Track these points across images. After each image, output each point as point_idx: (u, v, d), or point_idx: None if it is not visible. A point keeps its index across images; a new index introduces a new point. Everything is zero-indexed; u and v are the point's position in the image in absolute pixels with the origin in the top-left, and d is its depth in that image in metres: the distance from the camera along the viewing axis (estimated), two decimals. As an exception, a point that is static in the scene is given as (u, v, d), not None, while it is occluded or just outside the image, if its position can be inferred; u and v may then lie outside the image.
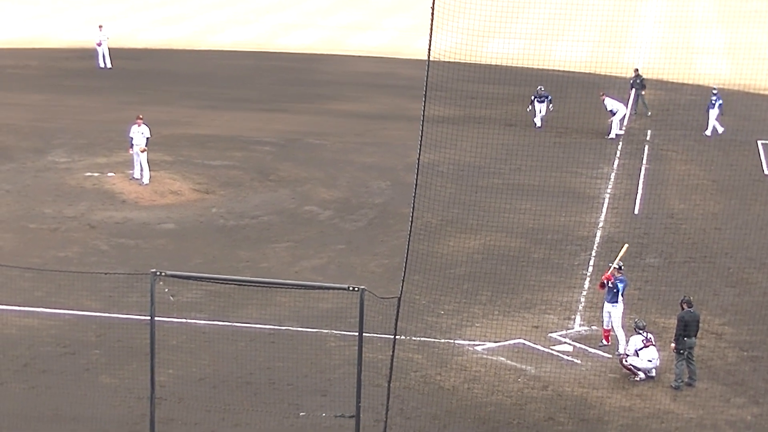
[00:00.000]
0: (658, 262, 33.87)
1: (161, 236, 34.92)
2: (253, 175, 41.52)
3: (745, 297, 31.41)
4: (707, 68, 57.34)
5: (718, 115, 48.87)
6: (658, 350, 26.27)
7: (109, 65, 59.90)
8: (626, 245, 29.27)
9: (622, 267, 27.92)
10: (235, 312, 28.17)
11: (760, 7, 71.84)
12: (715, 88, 49.70)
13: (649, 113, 51.61)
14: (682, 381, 25.85)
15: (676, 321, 26.16)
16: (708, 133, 48.81)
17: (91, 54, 60.64)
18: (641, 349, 26.18)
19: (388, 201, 39.00)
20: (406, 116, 48.63)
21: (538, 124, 49.47)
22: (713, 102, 48.97)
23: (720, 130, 48.87)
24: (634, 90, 52.47)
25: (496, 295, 30.67)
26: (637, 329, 26.47)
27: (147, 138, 39.38)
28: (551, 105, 49.89)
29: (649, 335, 26.39)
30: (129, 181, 39.61)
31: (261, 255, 33.58)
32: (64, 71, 59.56)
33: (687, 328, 25.86)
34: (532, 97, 49.80)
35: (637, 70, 53.43)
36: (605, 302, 27.71)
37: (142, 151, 39.20)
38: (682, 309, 26.18)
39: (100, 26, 60.59)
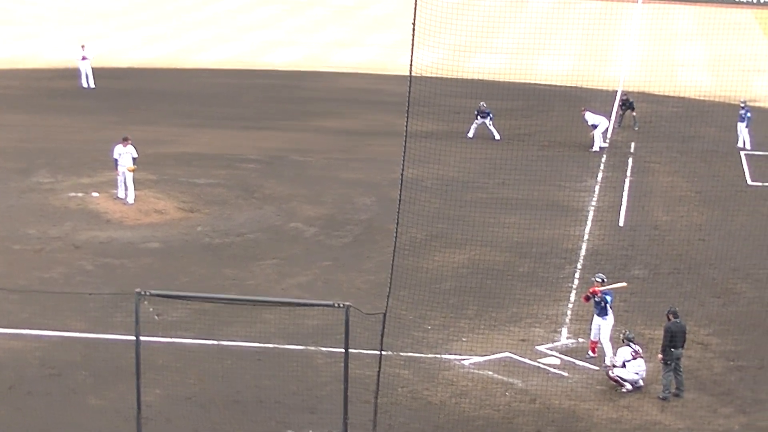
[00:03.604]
0: (643, 273, 33.94)
1: (147, 255, 34.85)
2: (238, 192, 41.49)
3: (730, 307, 31.49)
4: (689, 80, 57.53)
5: (747, 128, 49.14)
6: (645, 362, 26.31)
7: (92, 85, 59.81)
8: (625, 284, 29.18)
9: (605, 280, 27.98)
10: (221, 330, 28.11)
11: (739, 19, 72.26)
12: (743, 102, 49.97)
13: (637, 128, 51.72)
14: (670, 392, 25.90)
15: (662, 332, 26.22)
16: (741, 144, 49.00)
17: (73, 74, 60.53)
18: (629, 360, 26.22)
19: (373, 217, 39.01)
20: (392, 132, 48.59)
21: (471, 135, 49.39)
22: (742, 115, 49.30)
23: (748, 142, 49.05)
24: (621, 110, 52.53)
25: (483, 309, 30.68)
26: (626, 341, 26.51)
27: (134, 158, 39.32)
28: (492, 120, 49.74)
29: (637, 347, 26.44)
30: (113, 201, 39.53)
31: (247, 273, 33.54)
32: (47, 91, 59.43)
33: (673, 339, 25.92)
34: (476, 113, 49.69)
35: (625, 93, 53.63)
36: (594, 315, 27.77)
37: (131, 171, 39.14)
38: (669, 320, 26.25)
39: (83, 45, 60.49)
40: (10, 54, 69.41)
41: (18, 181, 42.03)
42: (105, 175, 41.57)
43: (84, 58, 59.82)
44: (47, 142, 48.13)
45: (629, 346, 26.41)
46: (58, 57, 67.34)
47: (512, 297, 31.65)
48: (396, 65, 62.59)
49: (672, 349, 25.88)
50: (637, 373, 26.24)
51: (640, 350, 26.43)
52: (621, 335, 26.90)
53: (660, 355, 26.06)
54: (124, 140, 39.64)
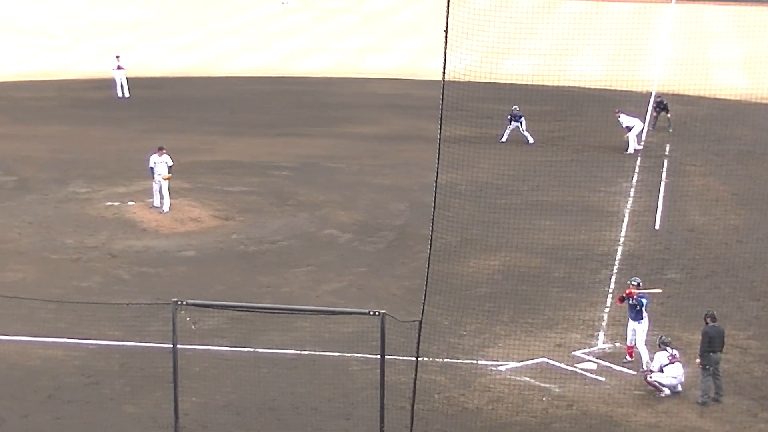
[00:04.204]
0: (680, 276, 33.73)
1: (182, 264, 34.97)
2: (271, 200, 41.57)
3: (769, 310, 31.26)
4: (724, 81, 57.21)
5: None
6: (683, 366, 26.13)
7: (127, 95, 60.12)
8: (660, 290, 29.07)
9: (641, 283, 27.83)
10: (257, 338, 28.15)
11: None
12: None
13: (672, 130, 51.43)
14: (709, 396, 25.70)
15: (700, 336, 26.04)
16: None
17: (108, 84, 60.87)
18: (666, 365, 26.05)
19: (406, 222, 38.98)
20: (423, 137, 48.58)
21: (504, 139, 49.28)
22: None
23: None
24: (656, 112, 52.23)
25: (518, 315, 30.60)
26: (662, 345, 26.34)
27: (170, 166, 39.48)
28: (525, 124, 49.57)
29: (675, 351, 26.25)
30: (149, 210, 39.70)
31: (282, 280, 33.59)
32: (82, 102, 59.81)
33: (712, 343, 25.72)
34: (509, 117, 49.54)
35: (659, 94, 53.36)
36: (629, 320, 27.62)
37: (166, 179, 39.29)
38: (706, 324, 26.06)
39: (117, 56, 60.87)
40: (45, 66, 69.93)
41: (55, 192, 42.29)
42: (140, 184, 41.76)
43: (119, 68, 60.18)
44: (83, 153, 48.42)
45: (666, 350, 26.24)
46: (93, 68, 67.76)
47: (547, 302, 31.55)
48: (426, 70, 62.54)
49: (710, 353, 25.68)
50: (674, 378, 26.06)
51: (677, 354, 26.25)
52: (657, 339, 26.73)
53: (698, 360, 25.88)
54: (160, 150, 39.80)
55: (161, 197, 39.57)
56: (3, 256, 35.30)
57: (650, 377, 26.21)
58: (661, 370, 26.12)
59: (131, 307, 29.29)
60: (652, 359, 26.59)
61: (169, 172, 39.42)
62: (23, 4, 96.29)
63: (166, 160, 39.49)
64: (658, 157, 47.79)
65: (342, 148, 49.67)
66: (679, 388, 26.12)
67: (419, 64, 68.21)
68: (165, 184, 39.38)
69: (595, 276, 33.74)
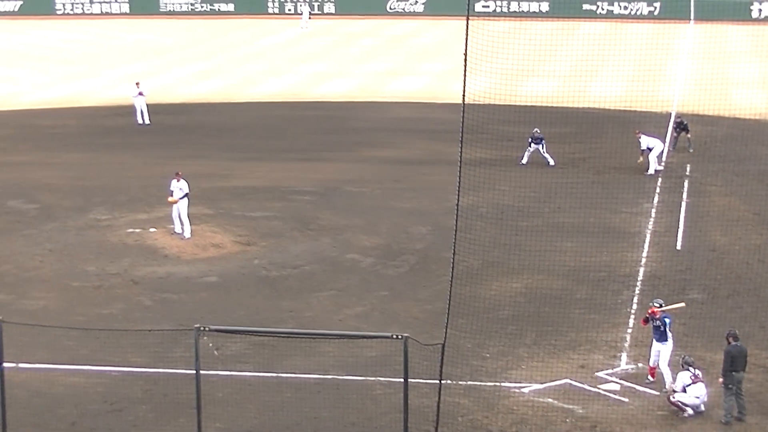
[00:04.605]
0: (702, 296, 33.64)
1: (204, 289, 35.06)
2: (293, 224, 41.64)
3: (792, 329, 31.12)
4: (744, 100, 57.11)
5: None
6: (706, 386, 26.04)
7: (147, 121, 60.39)
8: (683, 304, 29.02)
9: (663, 304, 27.77)
10: (280, 362, 28.17)
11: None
12: None
13: (692, 150, 51.35)
14: (732, 416, 25.60)
15: (723, 355, 25.95)
16: None
17: (129, 111, 61.18)
18: (689, 385, 25.97)
19: (429, 246, 38.99)
20: (445, 160, 48.57)
21: (524, 161, 49.28)
22: None
23: None
24: (676, 132, 52.16)
25: (541, 336, 30.56)
26: (685, 365, 26.26)
27: (186, 194, 39.55)
28: (545, 146, 49.56)
29: (697, 371, 26.18)
30: (171, 236, 39.81)
31: (304, 304, 33.63)
32: (103, 129, 60.07)
33: (734, 363, 25.64)
34: (529, 140, 49.54)
35: (679, 114, 53.32)
36: (654, 341, 27.54)
37: (171, 202, 39.40)
38: (728, 343, 25.99)
39: (137, 83, 61.15)
40: (65, 93, 70.32)
41: (76, 219, 42.46)
42: (162, 210, 41.86)
43: (141, 94, 60.46)
44: (104, 179, 48.60)
45: (688, 370, 26.16)
46: (114, 94, 68.09)
47: (570, 323, 31.51)
48: (447, 93, 62.63)
49: (733, 373, 25.61)
50: (697, 398, 25.97)
51: (700, 374, 26.17)
52: (680, 359, 26.65)
53: (720, 379, 25.80)
54: (177, 175, 39.94)
55: (181, 223, 39.69)
56: (25, 284, 35.47)
57: (673, 397, 26.13)
58: (684, 390, 26.04)
59: (154, 334, 29.37)
60: (674, 380, 26.51)
61: (186, 198, 39.43)
62: (45, 32, 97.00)
63: (182, 186, 39.60)
64: (679, 177, 47.72)
65: (364, 172, 49.74)
66: (702, 408, 26.02)
67: (440, 88, 68.31)
68: (184, 210, 39.49)
69: (617, 297, 33.69)
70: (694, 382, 25.98)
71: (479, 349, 29.47)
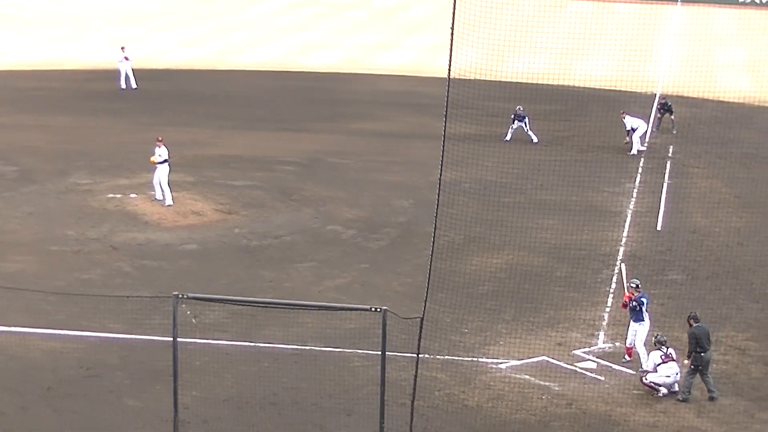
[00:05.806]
0: (681, 278, 33.76)
1: (184, 257, 35.00)
2: (275, 195, 41.58)
3: (769, 312, 31.28)
4: (729, 84, 57.12)
5: None
6: (679, 365, 26.16)
7: (133, 86, 60.08)
8: (623, 265, 29.32)
9: (639, 285, 27.88)
10: (258, 332, 28.18)
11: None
12: None
13: (675, 131, 51.40)
14: (689, 393, 25.79)
15: (687, 338, 26.11)
16: None
17: (113, 75, 60.87)
18: (659, 364, 26.10)
19: (411, 220, 38.99)
20: (430, 134, 48.48)
21: (508, 138, 49.25)
22: None
23: None
24: (660, 113, 52.22)
25: (520, 313, 30.63)
26: (657, 344, 26.37)
27: (166, 160, 39.44)
28: (528, 124, 49.57)
29: (670, 350, 26.29)
30: (151, 203, 39.71)
31: (284, 275, 33.62)
32: (87, 93, 59.77)
33: (699, 343, 25.85)
34: (512, 117, 49.52)
35: (663, 96, 53.35)
36: (631, 321, 27.65)
37: (153, 162, 39.33)
38: (690, 326, 26.24)
39: (123, 47, 60.79)
40: (50, 55, 69.90)
41: (56, 183, 42.31)
42: (143, 176, 41.75)
43: (126, 59, 60.13)
44: (86, 144, 48.43)
45: (660, 349, 26.28)
46: (99, 58, 67.74)
47: (549, 301, 31.59)
48: (433, 67, 62.46)
49: (702, 354, 25.77)
50: (668, 377, 26.09)
51: (673, 353, 26.27)
52: (653, 338, 26.76)
53: (687, 361, 25.95)
54: (158, 141, 39.83)
55: (162, 190, 39.59)
56: (2, 247, 35.31)
57: (645, 379, 26.26)
58: (655, 370, 26.16)
59: (132, 300, 29.34)
60: (647, 359, 26.64)
61: (162, 163, 39.32)
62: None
63: (161, 152, 39.47)
64: (662, 158, 47.79)
65: (348, 145, 49.67)
66: (676, 387, 26.15)
67: (427, 61, 68.16)
68: (165, 177, 39.39)
69: (597, 276, 33.78)
70: (664, 362, 26.09)
71: (458, 324, 29.53)
